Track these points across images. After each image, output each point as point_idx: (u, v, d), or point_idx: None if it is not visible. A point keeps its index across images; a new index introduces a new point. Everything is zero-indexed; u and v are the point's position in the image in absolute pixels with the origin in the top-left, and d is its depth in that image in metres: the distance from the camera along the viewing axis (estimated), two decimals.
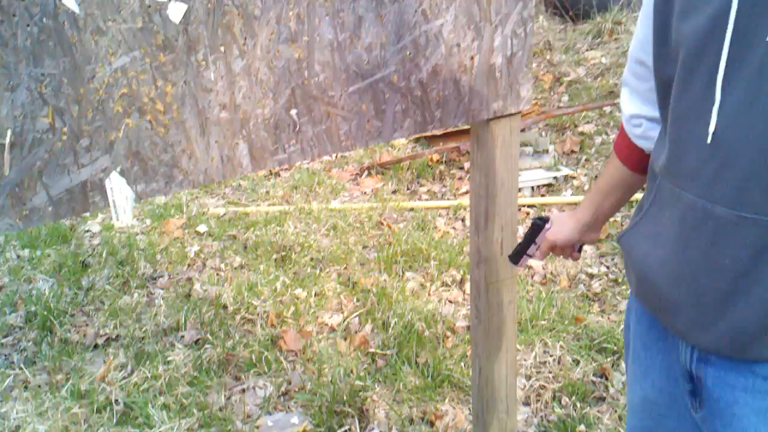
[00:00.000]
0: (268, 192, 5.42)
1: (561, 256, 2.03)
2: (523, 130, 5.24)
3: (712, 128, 1.18)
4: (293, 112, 1.82)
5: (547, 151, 5.13)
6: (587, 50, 6.59)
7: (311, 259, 4.38)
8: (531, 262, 2.06)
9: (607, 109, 5.55)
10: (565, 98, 5.98)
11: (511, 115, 2.15)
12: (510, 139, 2.19)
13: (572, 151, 5.28)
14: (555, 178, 4.98)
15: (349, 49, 1.83)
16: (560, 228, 1.90)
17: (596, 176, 4.91)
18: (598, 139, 5.36)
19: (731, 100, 1.16)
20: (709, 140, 1.19)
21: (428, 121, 2.03)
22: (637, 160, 1.64)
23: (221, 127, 1.73)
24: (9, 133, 1.47)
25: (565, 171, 5.03)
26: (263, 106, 1.77)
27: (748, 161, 1.15)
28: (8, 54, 1.41)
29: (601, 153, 5.20)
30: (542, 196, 4.90)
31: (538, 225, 1.94)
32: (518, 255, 2.01)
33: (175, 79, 1.63)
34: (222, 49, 1.66)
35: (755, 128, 1.13)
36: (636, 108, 1.57)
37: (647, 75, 1.46)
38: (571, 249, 1.95)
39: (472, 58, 2.01)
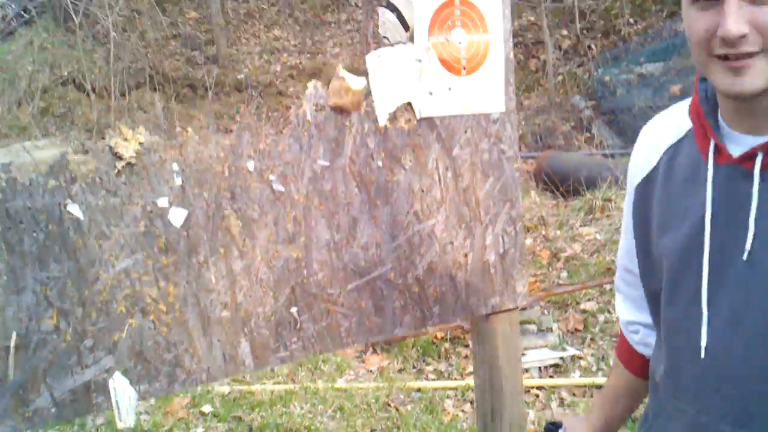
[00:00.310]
0: (273, 369, 5.37)
1: None
2: (524, 309, 5.26)
3: (704, 343, 1.19)
4: (293, 309, 1.86)
5: (551, 329, 5.12)
6: (581, 226, 6.72)
7: None
8: None
9: (607, 286, 5.58)
10: (564, 274, 6.03)
11: (509, 310, 2.18)
12: (511, 334, 2.20)
13: (576, 330, 5.26)
14: (561, 358, 4.94)
15: (346, 249, 1.90)
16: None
17: (602, 356, 4.87)
18: (601, 317, 5.36)
19: (718, 316, 1.18)
20: (702, 355, 1.20)
21: (427, 316, 2.06)
22: (639, 366, 1.59)
23: (223, 326, 1.77)
24: (14, 335, 1.51)
25: (572, 351, 5.00)
26: (264, 304, 1.81)
27: (744, 378, 1.16)
28: (15, 259, 1.48)
29: (606, 332, 5.18)
30: (550, 377, 4.83)
31: (552, 431, 1.89)
32: None
33: (177, 279, 1.69)
34: (222, 250, 1.73)
35: (747, 345, 1.15)
36: (631, 315, 1.57)
37: (637, 282, 1.48)
38: None
39: (465, 255, 2.07)
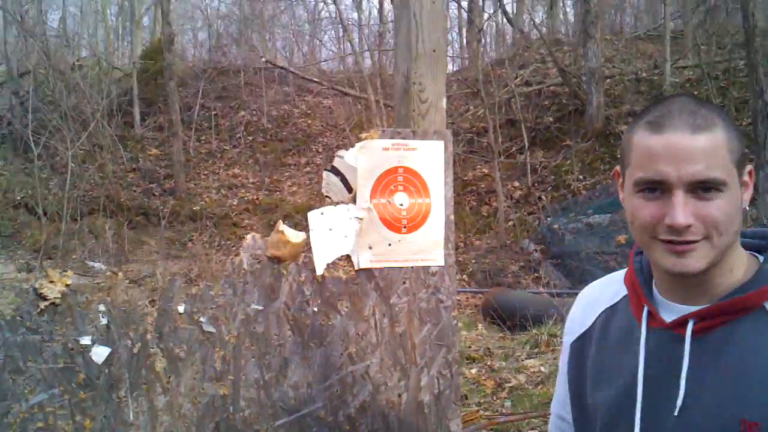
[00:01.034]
0: None
1: None
2: None
3: None
4: None
5: None
6: (526, 358, 6.73)
7: None
8: None
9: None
10: (508, 404, 5.97)
11: None
12: None
13: None
14: None
15: (276, 387, 1.88)
16: None
17: None
18: None
19: None
20: None
21: None
22: None
23: None
24: None
25: None
26: None
27: None
28: None
29: None
30: None
31: None
32: None
33: (95, 413, 1.64)
34: (145, 386, 1.69)
35: None
36: None
37: (570, 430, 1.50)
38: None
39: (399, 395, 2.05)
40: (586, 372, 1.38)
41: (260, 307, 1.85)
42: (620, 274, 1.42)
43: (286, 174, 16.18)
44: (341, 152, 2.00)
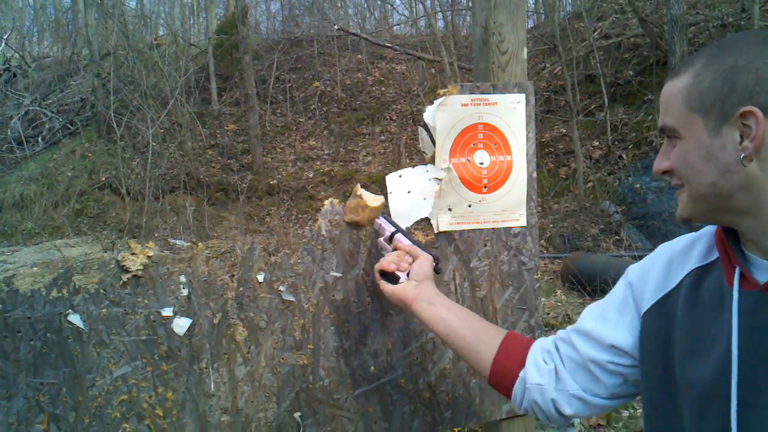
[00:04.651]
0: None
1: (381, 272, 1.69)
2: None
3: None
4: (297, 414, 1.80)
5: (572, 425, 4.93)
6: None
7: None
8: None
9: None
10: None
11: (524, 415, 2.08)
12: None
13: (599, 425, 5.05)
14: None
15: (355, 356, 1.85)
16: (423, 263, 1.67)
17: None
18: (624, 413, 5.15)
19: None
20: None
21: (438, 421, 1.98)
22: (505, 383, 1.50)
23: (222, 431, 1.70)
24: None
25: None
26: (266, 409, 1.76)
27: None
28: (8, 366, 1.46)
29: (630, 428, 4.95)
30: None
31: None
32: (392, 224, 1.77)
33: (177, 385, 1.65)
34: (225, 357, 1.68)
35: None
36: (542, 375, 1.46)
37: (573, 354, 1.43)
38: (402, 266, 1.66)
39: None
40: (671, 343, 1.26)
41: (339, 274, 1.82)
42: (711, 230, 1.30)
43: (361, 144, 16.18)
44: (428, 106, 1.93)
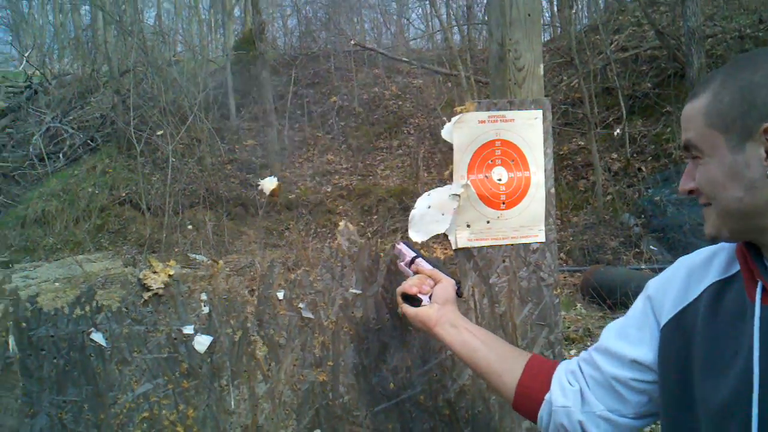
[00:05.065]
0: None
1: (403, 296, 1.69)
2: None
3: None
4: (316, 431, 1.80)
5: None
6: None
7: None
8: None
9: None
10: None
11: None
12: None
13: None
14: None
15: (375, 373, 1.85)
16: (446, 286, 1.67)
17: None
18: (646, 429, 5.11)
19: None
20: None
21: None
22: (530, 406, 1.48)
23: None
24: None
25: None
26: (286, 426, 1.77)
27: None
28: (32, 383, 1.48)
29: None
30: None
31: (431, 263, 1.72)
32: (412, 249, 1.77)
33: (197, 403, 1.66)
34: (246, 374, 1.69)
35: None
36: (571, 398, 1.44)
37: (598, 376, 1.41)
38: (424, 288, 1.66)
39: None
40: (691, 356, 1.24)
41: (358, 291, 1.83)
42: (728, 245, 1.29)
43: (379, 158, 16.21)
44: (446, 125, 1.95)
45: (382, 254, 1.86)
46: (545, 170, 2.01)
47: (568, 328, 7.02)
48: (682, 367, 1.26)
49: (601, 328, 7.10)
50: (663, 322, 1.33)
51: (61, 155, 16.24)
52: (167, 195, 13.29)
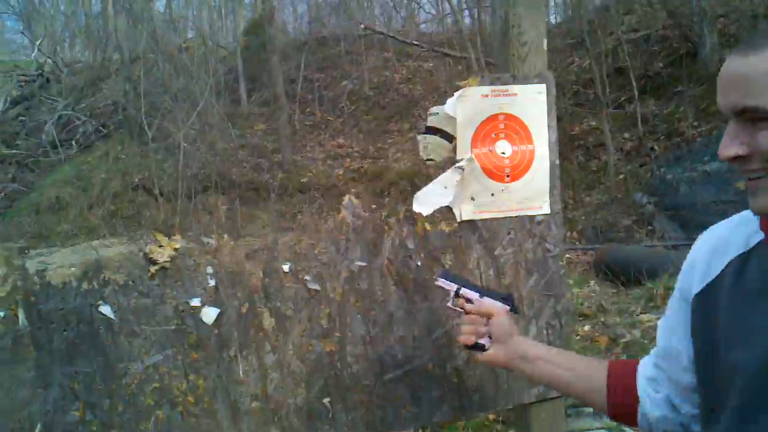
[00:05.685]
0: None
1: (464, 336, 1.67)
2: None
3: None
4: (326, 400, 1.84)
5: None
6: (641, 313, 6.51)
7: None
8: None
9: None
10: (623, 359, 5.83)
11: (553, 398, 2.10)
12: (554, 422, 2.12)
13: None
14: None
15: (382, 342, 1.88)
16: (507, 318, 1.64)
17: None
18: None
19: None
20: None
21: (467, 405, 2.01)
22: (629, 419, 1.48)
23: (253, 417, 1.75)
24: (39, 426, 1.51)
25: None
26: (295, 395, 1.80)
27: None
28: (43, 356, 1.51)
29: None
30: None
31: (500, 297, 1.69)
32: (453, 279, 1.73)
33: (207, 373, 1.69)
34: (254, 345, 1.72)
35: None
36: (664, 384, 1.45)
37: (663, 380, 1.42)
38: (480, 332, 1.63)
39: None
40: (716, 328, 1.23)
41: (363, 264, 1.85)
42: (750, 214, 1.23)
43: (390, 141, 16.20)
44: (434, 108, 1.96)
45: (386, 227, 1.88)
46: (549, 143, 2.02)
47: (582, 304, 7.04)
48: (711, 341, 1.26)
49: (615, 304, 7.13)
50: (691, 298, 1.32)
51: (73, 142, 16.34)
52: (180, 180, 13.35)
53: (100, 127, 16.70)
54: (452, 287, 1.71)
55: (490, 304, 1.66)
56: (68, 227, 13.67)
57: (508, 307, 1.66)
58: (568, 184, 11.78)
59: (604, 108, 11.99)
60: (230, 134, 16.07)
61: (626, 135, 12.76)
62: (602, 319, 6.67)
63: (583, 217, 10.83)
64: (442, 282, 1.74)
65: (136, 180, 14.83)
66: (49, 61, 19.45)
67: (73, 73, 19.23)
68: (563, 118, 13.09)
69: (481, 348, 1.61)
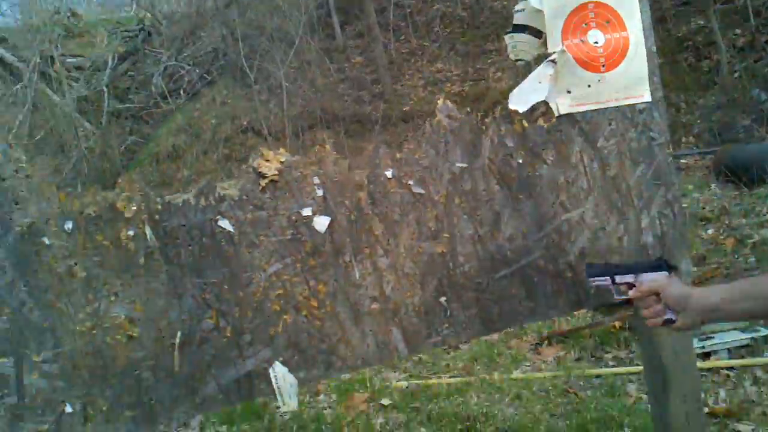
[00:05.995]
0: (448, 365, 5.40)
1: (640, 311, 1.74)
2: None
3: None
4: (442, 299, 1.90)
5: None
6: None
7: (496, 429, 4.22)
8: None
9: None
10: (752, 260, 5.63)
11: None
12: None
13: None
14: (753, 338, 4.60)
15: (491, 241, 1.91)
16: (673, 284, 1.68)
17: None
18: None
19: None
20: None
21: (583, 299, 2.03)
22: None
23: (374, 317, 1.85)
24: (179, 334, 1.65)
25: (764, 331, 4.63)
26: (412, 295, 1.87)
27: None
28: (174, 269, 1.64)
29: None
30: (741, 357, 4.51)
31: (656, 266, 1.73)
32: (601, 272, 1.78)
33: (326, 278, 1.78)
34: (367, 250, 1.80)
35: None
36: None
37: None
38: (659, 310, 1.67)
39: (620, 239, 2.02)
40: None
41: (464, 165, 1.88)
42: None
43: (489, 61, 15.87)
44: (520, 4, 1.94)
45: (483, 127, 1.89)
46: (644, 28, 1.97)
47: (703, 208, 6.84)
48: None
49: (739, 205, 6.89)
50: None
51: (181, 92, 16.87)
52: (285, 119, 13.61)
53: (204, 75, 17.15)
54: (607, 281, 1.76)
55: (649, 281, 1.70)
56: (187, 173, 14.25)
57: (666, 273, 1.70)
58: (680, 87, 11.28)
59: (711, 4, 11.30)
60: (329, 69, 16.16)
61: (737, 31, 12.01)
62: (726, 222, 6.47)
63: (699, 120, 10.38)
64: (596, 281, 1.80)
65: (245, 123, 15.22)
66: (148, 15, 19.98)
67: (172, 24, 19.71)
68: (668, 19, 12.45)
69: (671, 322, 1.65)
